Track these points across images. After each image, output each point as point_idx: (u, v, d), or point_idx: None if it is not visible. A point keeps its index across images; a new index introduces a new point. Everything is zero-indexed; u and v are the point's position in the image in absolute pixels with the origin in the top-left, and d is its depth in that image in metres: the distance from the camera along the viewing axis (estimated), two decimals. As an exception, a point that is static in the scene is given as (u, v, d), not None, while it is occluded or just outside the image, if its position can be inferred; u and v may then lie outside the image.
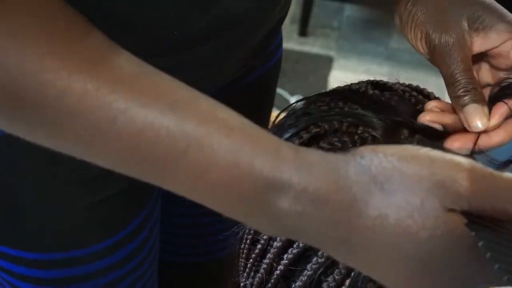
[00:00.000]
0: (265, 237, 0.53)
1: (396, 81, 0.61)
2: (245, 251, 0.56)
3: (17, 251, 0.71)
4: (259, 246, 0.54)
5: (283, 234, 0.45)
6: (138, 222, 0.74)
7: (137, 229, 0.74)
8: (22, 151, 0.65)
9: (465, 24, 0.55)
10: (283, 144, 0.41)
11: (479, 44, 0.55)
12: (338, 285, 0.49)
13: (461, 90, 0.54)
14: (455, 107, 0.54)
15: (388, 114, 0.54)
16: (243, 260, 0.57)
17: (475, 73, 0.56)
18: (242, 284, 0.58)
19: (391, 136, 0.52)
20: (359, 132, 0.52)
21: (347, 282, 0.48)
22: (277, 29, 0.78)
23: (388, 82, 0.61)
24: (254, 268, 0.55)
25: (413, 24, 0.57)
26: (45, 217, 0.69)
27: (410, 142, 0.52)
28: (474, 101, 0.53)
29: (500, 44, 0.55)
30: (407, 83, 0.61)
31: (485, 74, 0.59)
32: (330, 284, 0.49)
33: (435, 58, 0.56)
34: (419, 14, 0.57)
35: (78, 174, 0.67)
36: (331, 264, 0.49)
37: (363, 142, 0.51)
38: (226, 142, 0.40)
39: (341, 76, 2.37)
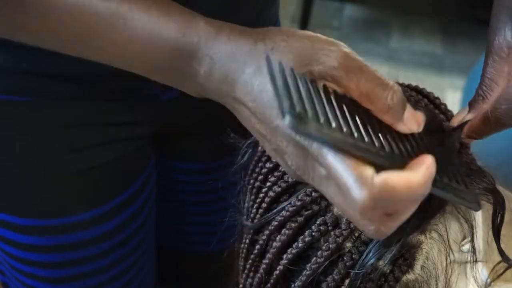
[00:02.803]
0: (264, 237, 0.53)
1: (396, 81, 0.61)
2: (244, 251, 0.56)
3: (6, 215, 0.71)
4: (258, 246, 0.54)
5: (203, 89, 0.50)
6: (127, 196, 0.75)
7: (125, 202, 0.75)
8: (12, 117, 0.66)
9: None
10: (197, 17, 0.49)
11: None
12: (338, 285, 0.49)
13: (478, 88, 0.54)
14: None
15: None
16: (242, 260, 0.57)
17: None
18: (241, 284, 0.58)
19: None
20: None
21: (346, 282, 0.48)
22: (271, 9, 0.80)
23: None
24: (253, 268, 0.55)
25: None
26: (33, 183, 0.70)
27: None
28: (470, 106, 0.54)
29: None
30: (406, 83, 0.61)
31: None
32: (330, 284, 0.49)
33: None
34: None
35: (68, 142, 0.68)
36: (330, 264, 0.49)
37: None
38: (145, 17, 0.48)
39: (341, 76, 2.36)
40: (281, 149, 0.44)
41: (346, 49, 0.44)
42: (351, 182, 0.38)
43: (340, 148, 0.39)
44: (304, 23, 2.54)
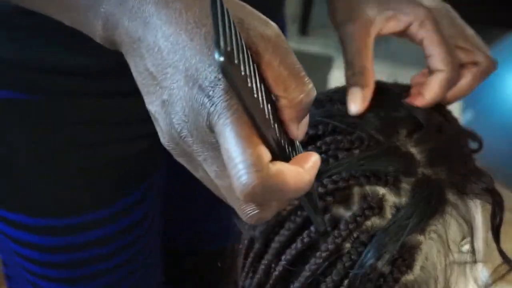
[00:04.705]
0: (262, 238, 0.53)
1: (395, 81, 0.61)
2: (243, 251, 0.56)
3: (16, 215, 0.71)
4: (256, 247, 0.53)
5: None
6: (137, 195, 0.75)
7: (139, 199, 0.75)
8: (22, 116, 0.66)
9: (370, 11, 0.61)
10: None
11: (388, 27, 0.63)
12: (336, 286, 0.48)
13: (349, 73, 0.59)
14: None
15: (386, 114, 0.53)
16: (242, 260, 0.57)
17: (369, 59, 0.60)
18: (241, 285, 0.58)
19: (389, 135, 0.52)
20: (356, 132, 0.52)
21: (345, 282, 0.48)
22: (279, 6, 0.80)
23: (387, 82, 0.61)
24: (252, 268, 0.55)
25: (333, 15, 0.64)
26: (43, 181, 0.70)
27: (409, 141, 0.52)
28: (356, 85, 0.57)
29: (407, 26, 0.62)
30: (406, 83, 0.61)
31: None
32: (328, 285, 0.48)
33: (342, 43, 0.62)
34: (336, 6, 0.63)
35: (77, 139, 0.68)
36: (329, 265, 0.49)
37: (361, 142, 0.51)
38: None
39: (341, 76, 2.37)
40: (171, 100, 0.40)
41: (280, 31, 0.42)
42: (246, 162, 0.35)
43: (249, 108, 0.36)
44: (304, 23, 2.54)
